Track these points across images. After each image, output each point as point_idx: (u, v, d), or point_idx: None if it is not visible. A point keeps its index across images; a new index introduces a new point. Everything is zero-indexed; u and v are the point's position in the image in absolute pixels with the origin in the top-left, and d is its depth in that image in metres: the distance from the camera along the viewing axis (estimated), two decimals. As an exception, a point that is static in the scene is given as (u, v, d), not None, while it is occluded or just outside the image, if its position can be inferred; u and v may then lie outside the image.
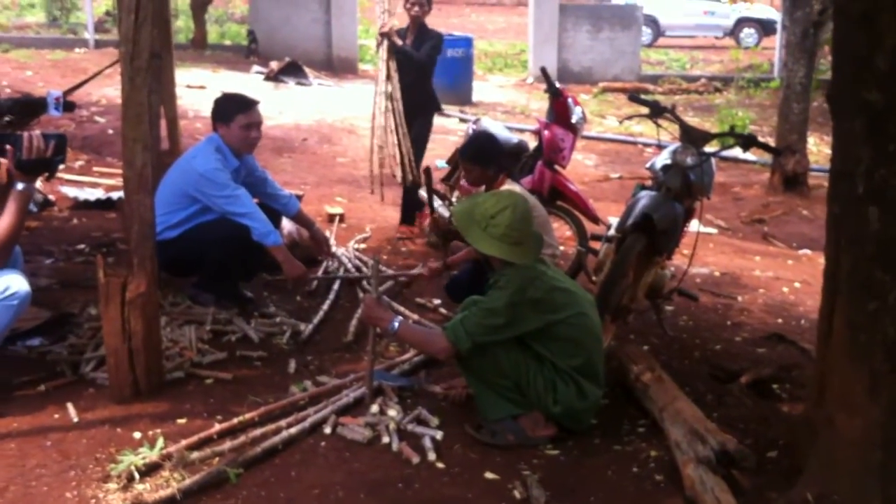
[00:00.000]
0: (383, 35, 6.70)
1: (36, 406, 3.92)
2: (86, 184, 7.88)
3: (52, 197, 7.22)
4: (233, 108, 5.08)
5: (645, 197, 4.77)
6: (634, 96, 5.31)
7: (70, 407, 3.89)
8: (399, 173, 6.61)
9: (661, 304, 5.29)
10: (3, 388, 4.05)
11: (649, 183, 5.16)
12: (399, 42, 6.76)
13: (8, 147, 3.75)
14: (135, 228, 3.86)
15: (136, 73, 3.75)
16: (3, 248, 3.76)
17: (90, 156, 9.08)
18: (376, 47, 6.88)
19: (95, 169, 8.52)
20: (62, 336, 4.56)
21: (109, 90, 11.56)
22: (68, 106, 4.15)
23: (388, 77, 6.65)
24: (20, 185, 3.79)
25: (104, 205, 7.15)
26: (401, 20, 6.93)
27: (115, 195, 7.18)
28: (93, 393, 4.06)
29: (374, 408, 3.92)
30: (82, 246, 6.13)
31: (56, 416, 3.85)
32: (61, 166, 4.02)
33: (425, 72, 6.99)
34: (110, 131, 9.89)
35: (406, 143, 6.63)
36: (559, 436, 3.80)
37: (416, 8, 6.86)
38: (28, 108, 4.15)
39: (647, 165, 5.25)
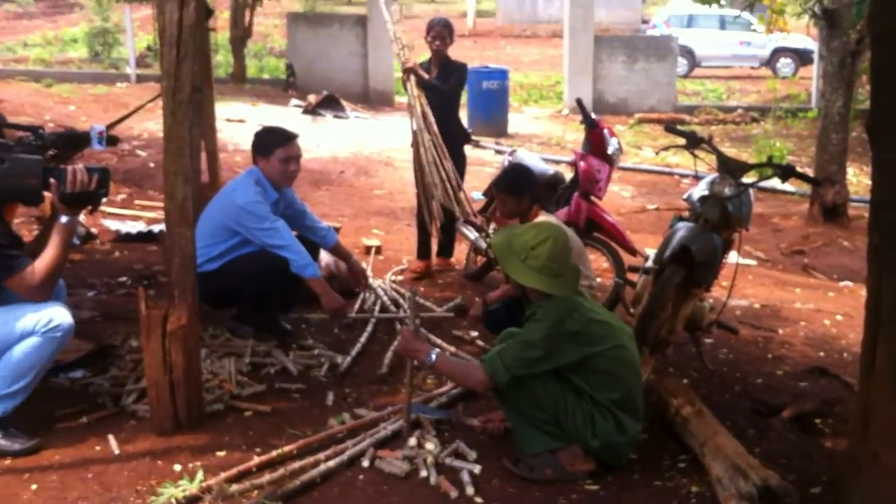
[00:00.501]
0: (407, 71, 6.59)
1: (78, 438, 3.97)
2: (127, 217, 8.00)
3: (94, 230, 7.33)
4: (273, 142, 5.15)
5: (683, 228, 4.75)
6: (671, 127, 5.30)
7: (111, 439, 3.93)
8: (456, 208, 6.41)
9: (701, 336, 5.24)
10: (46, 419, 4.10)
11: (687, 214, 5.13)
12: (425, 76, 6.66)
13: (52, 180, 3.82)
14: (176, 261, 3.91)
15: (177, 106, 3.81)
16: (48, 281, 3.82)
17: (132, 189, 9.22)
18: (404, 84, 6.80)
19: (137, 202, 8.65)
20: (104, 368, 4.62)
21: (150, 124, 11.76)
22: (111, 140, 4.22)
23: (423, 112, 6.53)
24: (64, 219, 3.86)
25: (145, 238, 7.24)
26: (417, 49, 6.96)
27: (157, 228, 7.28)
28: (134, 425, 4.09)
29: (412, 441, 3.91)
30: (124, 278, 6.21)
31: (97, 447, 3.89)
32: (104, 199, 4.08)
33: (452, 105, 6.84)
34: (151, 165, 10.04)
35: (451, 173, 6.48)
36: (598, 470, 3.77)
37: (438, 42, 6.72)
38: (72, 142, 4.22)
39: (685, 197, 5.23)
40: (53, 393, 4.35)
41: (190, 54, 3.80)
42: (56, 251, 3.83)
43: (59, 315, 3.81)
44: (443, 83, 6.67)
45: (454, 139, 6.74)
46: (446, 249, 7.02)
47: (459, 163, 6.74)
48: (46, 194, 3.93)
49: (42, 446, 3.86)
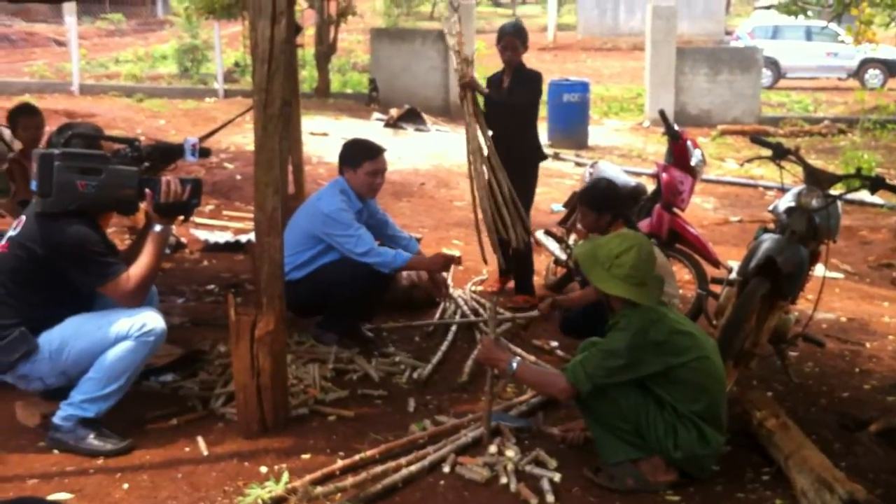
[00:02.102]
0: (465, 87, 5.91)
1: (168, 439, 4.09)
2: (216, 227, 8.21)
3: (183, 240, 7.55)
4: (361, 155, 5.26)
5: (768, 240, 4.69)
6: (757, 138, 5.24)
7: (200, 440, 4.05)
8: (514, 236, 5.75)
9: (785, 349, 5.16)
10: (137, 421, 4.24)
11: (772, 226, 5.07)
12: (485, 90, 6.16)
13: (147, 191, 3.97)
14: (265, 269, 4.01)
15: (268, 120, 3.93)
16: (142, 287, 3.96)
17: (220, 200, 9.46)
18: (461, 101, 6.06)
19: (225, 213, 8.88)
20: (193, 372, 4.76)
21: (238, 137, 12.05)
22: (204, 152, 4.36)
23: (479, 134, 5.87)
24: (157, 227, 4.00)
25: (233, 247, 7.43)
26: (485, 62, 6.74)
27: (244, 238, 7.46)
28: (222, 427, 4.21)
29: (493, 448, 3.93)
30: (212, 286, 6.39)
31: (187, 449, 4.01)
32: (196, 209, 4.23)
33: (526, 118, 6.32)
34: (238, 177, 10.28)
35: (513, 201, 5.82)
36: (680, 482, 3.74)
37: (509, 52, 6.26)
38: (166, 153, 4.37)
39: (770, 208, 5.17)
40: (145, 396, 4.49)
41: (281, 69, 3.91)
42: (150, 259, 3.97)
43: (152, 320, 3.95)
44: (510, 96, 6.25)
45: (527, 157, 6.32)
46: (526, 285, 6.44)
47: (529, 183, 6.34)
48: (141, 204, 4.08)
49: (133, 447, 3.99)
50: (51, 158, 3.84)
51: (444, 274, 5.92)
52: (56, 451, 3.95)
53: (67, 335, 3.92)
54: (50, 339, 3.92)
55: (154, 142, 4.47)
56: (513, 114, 6.23)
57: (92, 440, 3.94)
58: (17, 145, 6.87)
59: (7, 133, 6.96)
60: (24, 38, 26.08)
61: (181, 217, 4.19)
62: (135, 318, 3.92)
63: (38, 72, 20.11)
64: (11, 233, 4.02)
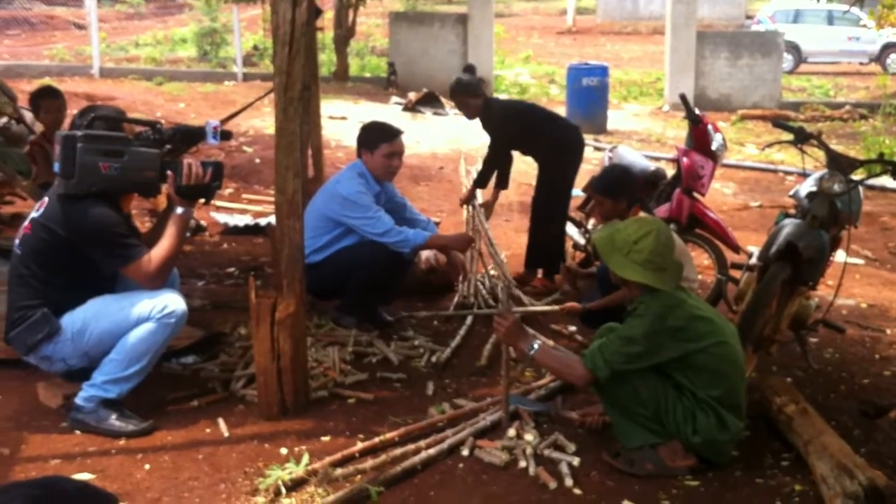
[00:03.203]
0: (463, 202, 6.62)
1: (189, 420, 4.13)
2: (235, 210, 8.25)
3: (203, 223, 7.58)
4: (377, 137, 5.27)
5: (789, 225, 4.67)
6: (779, 122, 5.21)
7: (221, 422, 4.08)
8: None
9: (806, 335, 5.15)
10: (159, 403, 4.28)
11: (793, 211, 5.05)
12: (478, 203, 6.66)
13: (169, 173, 3.99)
14: (285, 252, 4.03)
15: (289, 103, 3.93)
16: (164, 269, 3.99)
17: (239, 184, 9.49)
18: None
19: (244, 196, 8.91)
20: (214, 354, 4.79)
21: (257, 121, 12.06)
22: (225, 135, 4.37)
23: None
24: (179, 210, 4.03)
25: (252, 230, 7.46)
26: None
27: (263, 221, 7.49)
28: (242, 409, 4.24)
29: (511, 432, 3.94)
30: (232, 269, 6.42)
31: (208, 430, 4.04)
32: (217, 192, 4.25)
33: (522, 140, 6.46)
34: (257, 160, 10.30)
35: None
36: (699, 467, 3.73)
37: (463, 110, 6.44)
38: (188, 136, 4.38)
39: (791, 193, 5.14)
40: (166, 377, 4.53)
41: (301, 52, 3.92)
42: (171, 241, 4.00)
43: (173, 302, 3.98)
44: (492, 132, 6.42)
45: (548, 154, 6.45)
46: (549, 271, 6.57)
47: (554, 174, 6.45)
48: (162, 187, 4.10)
49: (155, 428, 4.02)
50: (74, 140, 3.86)
51: (463, 257, 5.94)
52: (78, 432, 3.98)
53: (89, 316, 3.95)
54: (72, 320, 3.96)
55: (175, 125, 4.48)
56: (516, 142, 6.50)
57: (113, 421, 3.98)
58: (39, 127, 6.92)
59: (29, 116, 7.01)
60: (44, 22, 26.13)
61: (202, 200, 4.21)
62: (156, 300, 3.95)
63: (58, 55, 20.18)
64: (34, 214, 4.05)
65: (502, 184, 6.67)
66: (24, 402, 4.27)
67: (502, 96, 16.71)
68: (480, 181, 6.65)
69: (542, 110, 6.80)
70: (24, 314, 3.96)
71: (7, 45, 21.20)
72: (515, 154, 6.80)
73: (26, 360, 4.14)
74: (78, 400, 4.01)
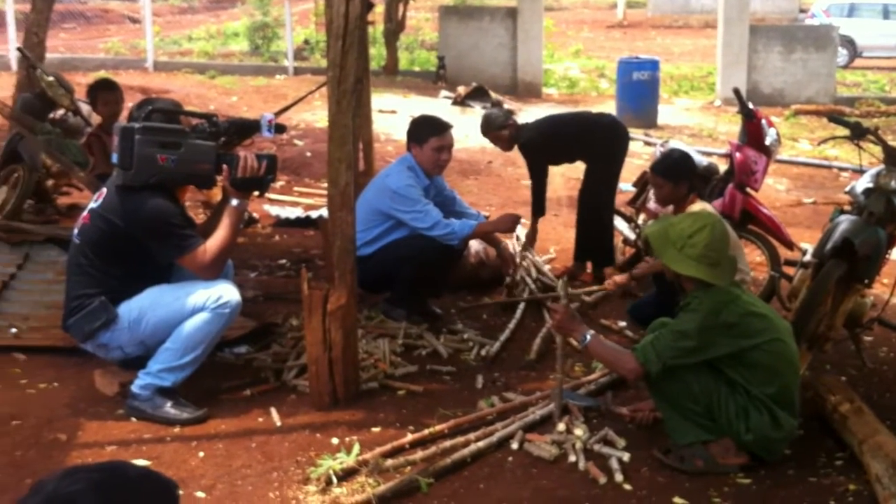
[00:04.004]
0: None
1: (242, 410, 4.19)
2: (287, 203, 8.32)
3: (256, 215, 7.66)
4: (427, 131, 5.28)
5: (845, 221, 4.61)
6: (834, 117, 5.14)
7: (273, 412, 4.13)
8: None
9: (860, 333, 5.07)
10: (212, 392, 4.34)
11: (849, 207, 4.97)
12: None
13: (224, 166, 4.04)
14: (337, 244, 4.06)
15: (342, 96, 3.96)
16: (219, 260, 4.04)
17: (290, 177, 9.57)
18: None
19: (295, 189, 8.98)
20: (266, 345, 4.85)
21: (307, 115, 12.15)
22: (279, 128, 4.41)
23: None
24: (234, 202, 4.08)
25: (303, 223, 7.52)
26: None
27: (314, 214, 7.55)
28: (294, 399, 4.29)
29: (561, 426, 3.94)
30: (283, 261, 6.48)
31: (260, 419, 4.10)
32: (272, 185, 4.29)
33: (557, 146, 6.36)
34: (308, 154, 10.38)
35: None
36: (750, 465, 3.71)
37: (500, 143, 6.42)
38: (243, 129, 4.44)
39: (847, 189, 5.06)
40: (219, 367, 4.59)
41: (355, 45, 3.95)
42: (227, 232, 4.05)
43: (228, 293, 4.03)
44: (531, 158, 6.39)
45: (591, 152, 6.38)
46: (600, 264, 6.51)
47: (601, 168, 6.40)
48: (217, 179, 4.16)
49: (208, 416, 4.08)
50: (132, 132, 3.93)
51: (512, 250, 5.95)
52: (134, 419, 4.06)
53: (146, 305, 4.02)
54: (129, 308, 4.03)
55: (230, 118, 4.53)
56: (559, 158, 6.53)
57: (168, 409, 4.04)
58: (96, 119, 7.03)
59: (86, 108, 7.13)
60: (98, 15, 26.56)
61: (256, 192, 4.25)
62: (211, 290, 4.00)
63: (112, 48, 20.49)
64: (93, 205, 4.13)
65: (540, 211, 6.62)
66: (81, 389, 4.36)
67: (540, 108, 16.63)
68: (538, 210, 6.54)
69: (573, 120, 6.81)
70: (82, 302, 4.04)
71: (63, 38, 21.55)
72: None
73: (83, 348, 4.22)
74: (134, 388, 4.08)
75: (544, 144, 6.33)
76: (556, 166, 6.60)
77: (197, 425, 4.03)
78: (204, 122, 4.22)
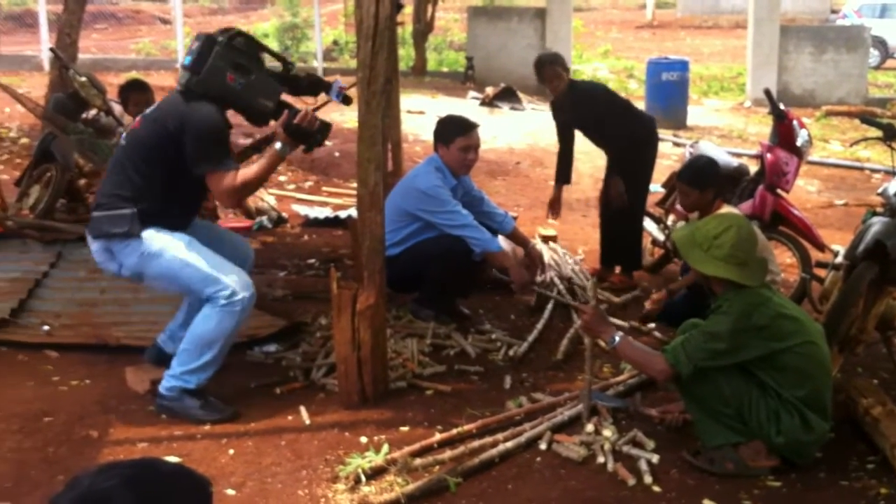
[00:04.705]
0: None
1: (271, 408, 4.20)
2: (315, 203, 8.36)
3: (285, 215, 7.71)
4: (453, 131, 5.28)
5: (877, 223, 4.56)
6: (867, 118, 5.10)
7: (303, 410, 4.15)
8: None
9: (892, 336, 5.01)
10: (242, 390, 4.37)
11: (881, 209, 4.92)
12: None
13: (285, 111, 4.07)
14: (366, 244, 4.08)
15: (371, 96, 3.98)
16: (245, 189, 4.06)
17: (318, 177, 9.61)
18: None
19: (324, 189, 9.02)
20: (295, 343, 4.87)
21: (335, 115, 12.14)
22: (346, 99, 4.41)
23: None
24: (279, 145, 4.07)
25: (332, 222, 7.56)
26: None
27: (343, 213, 7.58)
28: (323, 398, 4.31)
29: (590, 427, 3.92)
30: (312, 260, 6.51)
31: (289, 418, 4.11)
32: (318, 147, 4.29)
33: (608, 124, 6.22)
34: (336, 154, 10.41)
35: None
36: (781, 467, 3.68)
37: (555, 82, 6.17)
38: (314, 85, 4.43)
39: (880, 191, 5.01)
40: (249, 365, 4.63)
41: (385, 46, 3.96)
42: (260, 168, 4.07)
43: (241, 287, 4.01)
44: (573, 112, 6.26)
45: (625, 147, 6.22)
46: (629, 267, 6.47)
47: (639, 168, 6.32)
48: (273, 123, 4.15)
49: (237, 415, 4.10)
50: (213, 42, 4.00)
51: (540, 251, 5.93)
52: (164, 416, 4.08)
53: (168, 248, 3.99)
54: (153, 239, 4.00)
55: (306, 72, 4.51)
56: (594, 127, 6.32)
57: (197, 410, 4.06)
58: (127, 120, 7.09)
59: (118, 108, 7.19)
60: (130, 16, 26.82)
61: (303, 147, 4.21)
62: (225, 281, 3.97)
63: (143, 49, 20.66)
64: (146, 112, 4.17)
65: (565, 178, 6.59)
66: (112, 387, 4.40)
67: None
68: (561, 177, 6.57)
69: (620, 98, 6.71)
70: (114, 202, 4.01)
71: (95, 38, 21.77)
72: (592, 149, 6.74)
73: (91, 245, 4.12)
74: (161, 389, 4.10)
75: (592, 99, 6.25)
76: (585, 136, 6.46)
77: (227, 423, 4.04)
78: (280, 65, 4.26)
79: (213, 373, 4.12)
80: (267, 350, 4.79)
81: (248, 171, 4.05)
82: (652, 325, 5.46)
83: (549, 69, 6.18)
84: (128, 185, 4.02)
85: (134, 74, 13.68)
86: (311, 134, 4.13)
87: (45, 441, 3.85)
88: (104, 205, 4.05)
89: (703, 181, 5.01)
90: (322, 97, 4.59)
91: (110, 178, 4.12)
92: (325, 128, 4.19)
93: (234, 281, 4.00)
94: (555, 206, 6.55)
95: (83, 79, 7.06)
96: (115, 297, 5.45)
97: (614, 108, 6.36)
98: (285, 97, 4.25)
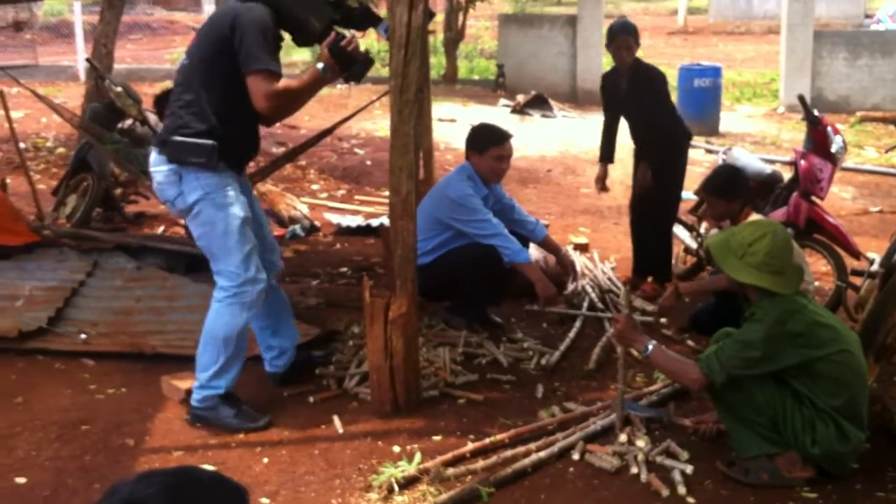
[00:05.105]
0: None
1: (305, 417, 4.23)
2: (347, 211, 8.40)
3: (317, 223, 7.75)
4: (487, 140, 5.29)
5: (915, 231, 4.51)
6: (903, 125, 5.03)
7: (336, 419, 4.17)
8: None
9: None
10: (276, 398, 4.40)
11: (918, 217, 4.87)
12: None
13: (333, 32, 4.06)
14: (398, 252, 4.09)
15: (404, 105, 3.99)
16: (282, 97, 4.00)
17: (350, 185, 9.66)
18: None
19: (356, 197, 9.06)
20: (329, 352, 4.88)
21: (367, 124, 12.24)
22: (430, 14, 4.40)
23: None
24: (320, 65, 4.06)
25: (364, 231, 7.59)
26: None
27: (375, 222, 7.61)
28: (356, 407, 4.33)
29: (623, 437, 3.91)
30: (344, 269, 6.54)
31: (323, 426, 4.14)
32: (358, 81, 4.24)
33: (657, 111, 6.13)
34: (368, 162, 10.46)
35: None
36: (817, 479, 3.64)
37: (623, 52, 6.05)
38: (366, 18, 4.40)
39: (917, 198, 4.96)
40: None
41: (417, 55, 3.98)
42: (301, 82, 4.08)
43: (251, 285, 4.05)
44: (630, 99, 6.15)
45: (665, 145, 6.17)
46: (662, 276, 6.35)
47: (675, 170, 6.25)
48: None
49: (271, 423, 4.13)
50: None
51: (573, 258, 5.92)
52: (199, 425, 4.12)
53: (230, 210, 4.03)
54: (227, 189, 4.04)
55: (360, 4, 4.48)
56: (641, 110, 6.16)
57: (231, 419, 4.09)
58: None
59: (153, 118, 7.27)
60: (164, 27, 27.06)
61: (345, 74, 4.15)
62: (240, 277, 4.02)
63: (178, 59, 20.81)
64: (200, 27, 4.22)
65: (609, 157, 6.49)
66: (149, 395, 4.45)
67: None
68: (605, 155, 6.47)
69: (670, 102, 6.66)
70: (193, 129, 4.00)
71: (130, 49, 22.00)
72: (625, 156, 6.71)
73: (156, 165, 4.10)
74: (192, 402, 4.14)
75: (651, 81, 6.14)
76: (628, 120, 6.33)
77: (261, 432, 4.07)
78: None
79: (239, 371, 4.14)
80: (316, 355, 4.77)
81: (290, 80, 4.03)
82: (685, 333, 5.43)
83: (622, 38, 6.07)
84: (197, 107, 4.01)
85: (169, 84, 13.81)
86: (354, 61, 4.09)
87: (83, 449, 3.90)
88: (181, 128, 4.03)
89: (730, 191, 4.99)
90: (371, 32, 4.56)
91: (181, 100, 4.08)
92: (369, 62, 4.16)
93: (249, 277, 4.04)
94: (600, 183, 6.52)
95: (119, 89, 7.15)
96: (150, 305, 5.51)
97: (667, 99, 6.35)
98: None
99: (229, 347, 4.05)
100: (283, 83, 3.97)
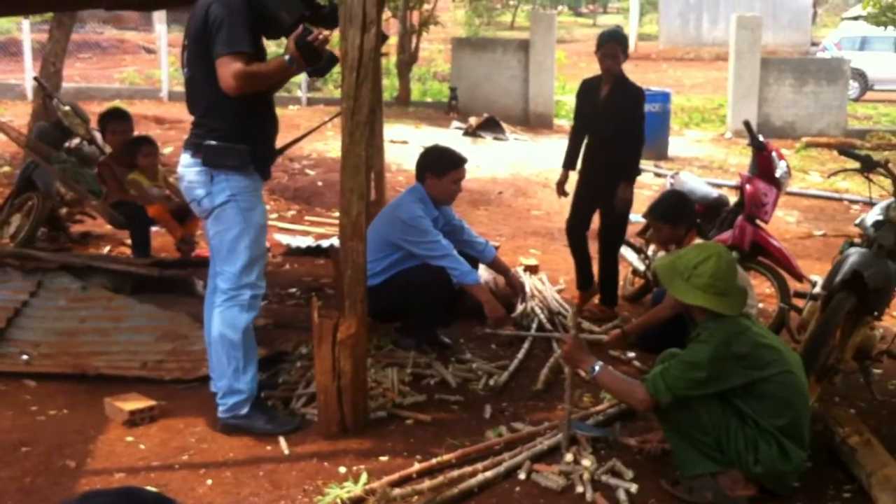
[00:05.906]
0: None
1: (250, 438, 4.18)
2: (297, 232, 8.37)
3: (267, 244, 7.69)
4: (447, 164, 5.33)
5: (855, 254, 4.61)
6: (845, 150, 5.16)
7: (281, 440, 4.14)
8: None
9: (870, 366, 5.04)
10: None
11: (859, 240, 4.98)
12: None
13: (301, 26, 4.06)
14: (348, 273, 4.09)
15: (355, 127, 4.00)
16: (247, 79, 3.99)
17: (301, 206, 9.63)
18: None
19: (306, 218, 9.03)
20: (276, 373, 4.85)
21: (319, 144, 12.23)
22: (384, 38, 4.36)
23: None
24: (287, 58, 4.06)
25: (314, 252, 7.57)
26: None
27: (325, 243, 7.59)
28: (302, 428, 4.29)
29: (569, 456, 3.93)
30: (294, 290, 6.51)
31: (268, 447, 4.10)
32: (322, 77, 4.29)
33: (629, 134, 6.15)
34: (319, 183, 10.44)
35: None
36: (759, 497, 3.69)
37: (609, 60, 6.10)
38: (335, 16, 4.34)
39: (857, 222, 5.07)
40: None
41: (369, 77, 3.99)
42: (267, 68, 4.09)
43: (249, 288, 4.16)
44: (607, 108, 6.16)
45: (623, 170, 6.16)
46: (608, 297, 6.43)
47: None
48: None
49: (301, 426, 4.26)
50: None
51: (522, 279, 5.94)
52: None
53: (252, 218, 4.16)
54: (254, 199, 4.19)
55: (332, 3, 4.47)
56: (613, 127, 6.15)
57: (265, 425, 4.19)
58: (109, 149, 7.10)
59: (100, 137, 7.20)
60: (114, 45, 26.81)
61: (309, 68, 4.17)
62: (241, 280, 4.13)
63: (128, 78, 20.68)
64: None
65: (572, 165, 6.49)
66: (91, 417, 4.38)
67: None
68: (567, 162, 6.46)
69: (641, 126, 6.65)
70: (223, 133, 4.08)
71: (79, 67, 21.75)
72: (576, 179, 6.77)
73: (187, 165, 4.18)
74: (220, 415, 4.22)
75: (635, 100, 6.20)
76: (594, 135, 6.30)
77: (204, 453, 4.03)
78: None
79: (256, 372, 4.22)
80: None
81: (259, 64, 4.06)
82: (631, 354, 5.48)
83: (610, 46, 6.12)
84: (217, 110, 4.08)
85: (118, 103, 13.68)
86: (319, 56, 4.10)
87: (23, 471, 3.82)
88: (212, 132, 4.10)
89: (676, 217, 5.09)
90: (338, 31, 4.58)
91: (199, 108, 4.18)
92: (334, 59, 4.20)
93: (248, 281, 4.15)
94: (560, 188, 6.52)
95: (67, 108, 7.08)
96: (95, 326, 5.44)
97: (641, 120, 6.29)
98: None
99: (237, 350, 4.14)
100: (249, 69, 4.00)
